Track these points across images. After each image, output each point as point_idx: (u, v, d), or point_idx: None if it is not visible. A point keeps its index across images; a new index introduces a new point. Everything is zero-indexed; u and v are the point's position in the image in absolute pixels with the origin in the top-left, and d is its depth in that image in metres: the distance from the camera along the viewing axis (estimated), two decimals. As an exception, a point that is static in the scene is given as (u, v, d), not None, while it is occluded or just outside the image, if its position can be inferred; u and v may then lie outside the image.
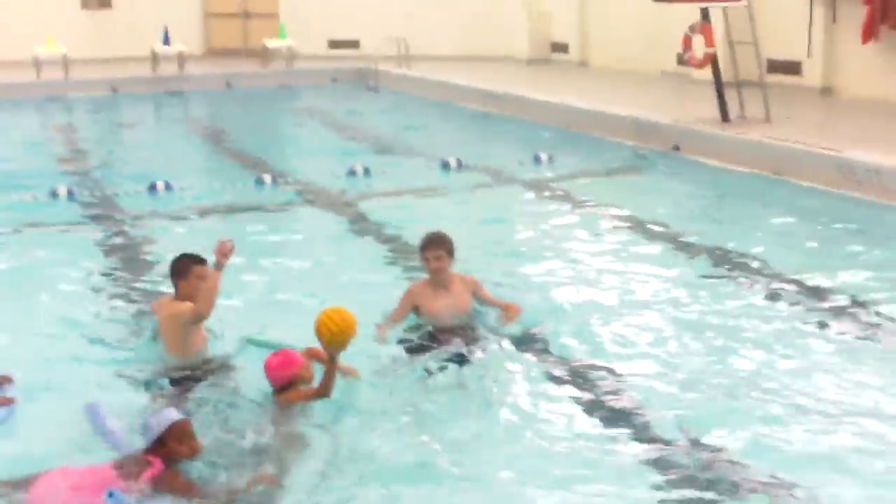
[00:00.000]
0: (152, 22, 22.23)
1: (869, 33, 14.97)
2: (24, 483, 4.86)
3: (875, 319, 7.13)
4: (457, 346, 6.51)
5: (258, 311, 7.38)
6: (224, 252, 6.10)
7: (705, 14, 13.29)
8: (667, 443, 5.36)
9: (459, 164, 12.73)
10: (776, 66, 16.33)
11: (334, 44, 23.99)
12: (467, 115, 17.50)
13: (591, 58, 21.58)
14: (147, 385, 6.10)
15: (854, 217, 9.99)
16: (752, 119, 13.27)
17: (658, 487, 4.94)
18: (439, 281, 6.92)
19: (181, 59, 21.22)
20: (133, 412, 5.66)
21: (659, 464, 5.15)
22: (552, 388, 6.13)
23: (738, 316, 7.24)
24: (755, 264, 8.49)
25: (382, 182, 12.11)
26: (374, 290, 7.75)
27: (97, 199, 11.47)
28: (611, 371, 6.33)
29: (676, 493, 4.89)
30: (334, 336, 5.68)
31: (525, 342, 6.71)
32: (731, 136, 12.68)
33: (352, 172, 12.28)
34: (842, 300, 7.51)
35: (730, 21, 13.65)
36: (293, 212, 11.02)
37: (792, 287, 7.84)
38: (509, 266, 8.52)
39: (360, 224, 10.23)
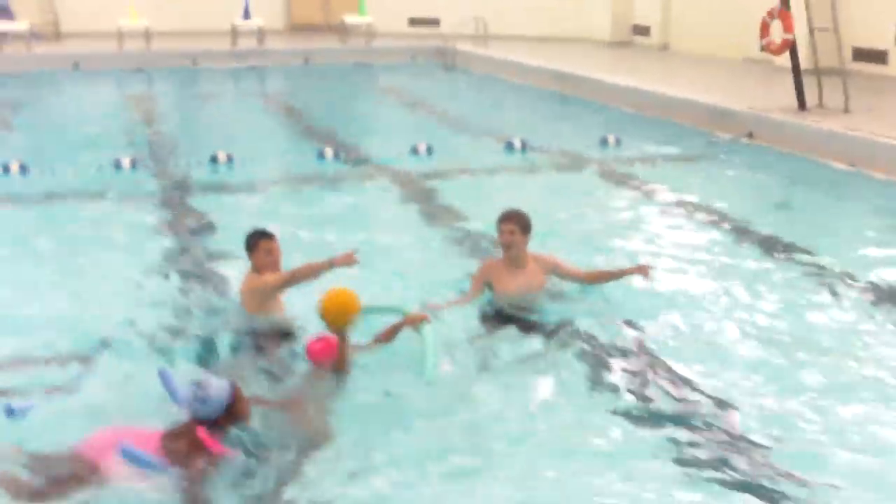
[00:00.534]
0: (234, -4, 22.42)
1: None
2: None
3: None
4: (527, 325, 6.45)
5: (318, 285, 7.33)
6: (348, 262, 6.33)
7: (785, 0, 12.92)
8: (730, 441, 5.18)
9: (524, 146, 12.57)
10: (861, 55, 15.82)
11: (414, 21, 23.92)
12: (542, 96, 17.30)
13: (672, 42, 21.18)
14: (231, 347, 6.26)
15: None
16: (831, 108, 12.86)
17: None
18: (513, 258, 6.84)
19: (261, 33, 21.35)
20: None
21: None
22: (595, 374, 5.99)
23: (801, 311, 6.97)
24: (821, 258, 8.17)
25: (444, 161, 12.00)
26: (428, 267, 7.76)
27: (161, 170, 11.58)
28: (662, 363, 6.13)
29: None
30: (333, 316, 5.75)
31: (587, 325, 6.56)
32: (806, 124, 12.30)
33: (414, 151, 12.20)
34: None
35: (812, 7, 13.23)
36: (354, 186, 10.97)
37: (858, 284, 7.55)
38: (565, 250, 8.34)
39: (418, 202, 10.15)
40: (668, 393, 5.72)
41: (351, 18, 22.33)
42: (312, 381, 5.74)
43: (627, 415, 5.46)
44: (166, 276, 7.70)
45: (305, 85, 19.91)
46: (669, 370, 6.01)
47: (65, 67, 19.84)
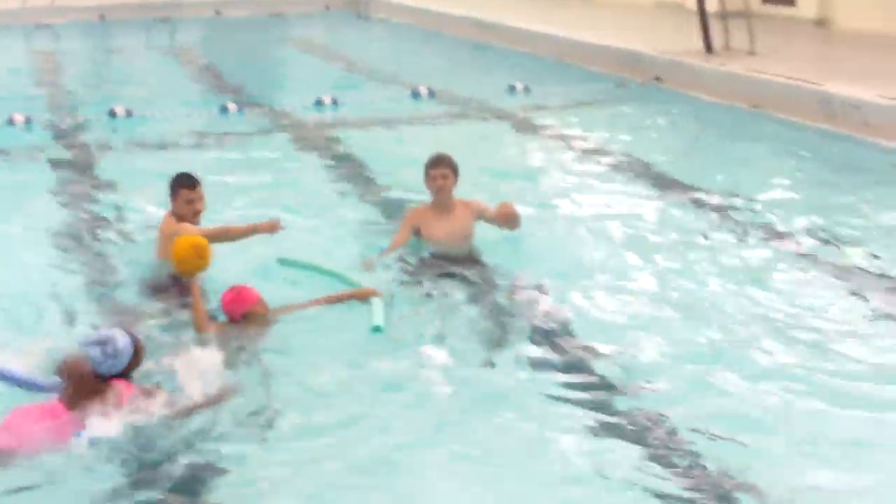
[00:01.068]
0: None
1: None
2: None
3: (844, 261, 6.79)
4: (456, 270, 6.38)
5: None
6: (271, 230, 6.35)
7: (690, -60, 12.90)
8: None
9: (431, 93, 12.44)
10: (770, -3, 15.88)
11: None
12: (455, 44, 17.16)
13: (587, -13, 21.05)
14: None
15: (832, 153, 9.67)
16: (737, 51, 12.89)
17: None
18: (442, 203, 6.70)
19: (171, -15, 20.90)
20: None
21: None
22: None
23: (709, 247, 7.02)
24: (723, 198, 8.18)
25: (350, 111, 11.83)
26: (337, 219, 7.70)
27: (59, 126, 11.28)
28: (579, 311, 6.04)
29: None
30: (178, 264, 5.70)
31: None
32: (711, 67, 12.32)
33: (319, 102, 12.01)
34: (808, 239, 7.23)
35: (718, -52, 13.22)
36: (258, 139, 10.76)
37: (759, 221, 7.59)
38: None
39: (320, 153, 10.00)
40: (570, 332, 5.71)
41: (263, -31, 21.91)
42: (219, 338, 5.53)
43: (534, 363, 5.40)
44: (61, 236, 7.48)
45: (216, 37, 19.54)
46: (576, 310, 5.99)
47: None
